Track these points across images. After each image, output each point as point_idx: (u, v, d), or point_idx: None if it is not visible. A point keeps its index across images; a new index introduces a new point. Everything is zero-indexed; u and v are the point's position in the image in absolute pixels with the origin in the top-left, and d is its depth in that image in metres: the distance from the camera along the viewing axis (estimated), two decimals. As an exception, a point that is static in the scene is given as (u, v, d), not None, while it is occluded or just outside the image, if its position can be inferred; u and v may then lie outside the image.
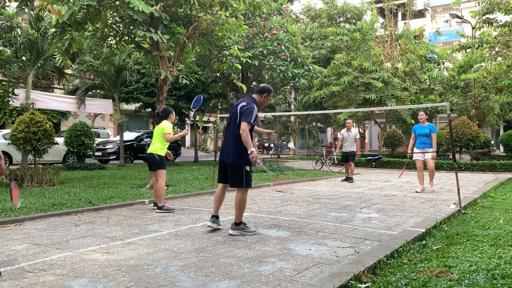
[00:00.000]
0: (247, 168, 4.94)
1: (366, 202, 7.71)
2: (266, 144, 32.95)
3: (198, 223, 5.72)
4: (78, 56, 15.08)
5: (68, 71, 19.73)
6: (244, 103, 4.94)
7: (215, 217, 5.17)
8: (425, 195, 8.73)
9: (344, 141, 11.81)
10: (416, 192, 9.16)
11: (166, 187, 9.28)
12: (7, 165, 14.83)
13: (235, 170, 4.92)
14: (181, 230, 5.24)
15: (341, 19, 27.43)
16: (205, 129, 40.39)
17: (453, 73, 19.49)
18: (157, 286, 3.22)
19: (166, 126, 6.76)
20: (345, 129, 11.94)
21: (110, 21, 9.30)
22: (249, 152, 4.77)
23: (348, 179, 11.77)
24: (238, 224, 5.00)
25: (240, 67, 12.21)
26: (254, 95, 5.14)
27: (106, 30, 9.45)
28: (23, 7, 8.31)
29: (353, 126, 12.07)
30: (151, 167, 6.92)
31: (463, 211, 6.46)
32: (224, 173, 5.12)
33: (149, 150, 6.84)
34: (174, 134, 6.89)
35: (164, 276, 3.47)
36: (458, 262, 3.74)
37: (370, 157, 17.98)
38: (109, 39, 9.97)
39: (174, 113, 7.06)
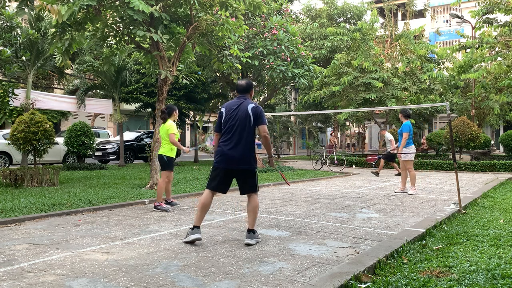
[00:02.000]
0: (256, 171, 4.73)
1: (366, 202, 7.71)
2: None
3: (198, 223, 5.72)
4: (78, 56, 15.08)
5: (68, 71, 19.73)
6: (253, 105, 4.61)
7: (198, 228, 4.56)
8: (424, 195, 8.73)
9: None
10: (395, 192, 9.17)
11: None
12: (7, 165, 14.82)
13: (251, 176, 4.62)
14: (181, 230, 5.24)
15: (341, 19, 27.44)
16: (205, 129, 40.41)
17: (453, 73, 19.49)
18: (157, 286, 3.22)
19: (171, 126, 6.83)
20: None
21: (110, 21, 9.30)
22: (271, 156, 4.89)
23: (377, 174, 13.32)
24: (254, 232, 4.64)
25: (240, 67, 12.20)
26: (245, 94, 4.75)
27: (106, 30, 9.44)
28: (23, 7, 8.30)
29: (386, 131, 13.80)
30: (161, 168, 7.06)
31: (463, 211, 6.46)
32: (228, 181, 4.71)
33: (159, 151, 6.98)
34: (176, 133, 6.95)
35: (164, 276, 3.47)
36: (458, 262, 3.74)
37: (370, 157, 17.98)
38: (109, 39, 9.96)
39: (177, 111, 7.13)
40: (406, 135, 8.74)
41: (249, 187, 4.64)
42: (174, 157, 6.95)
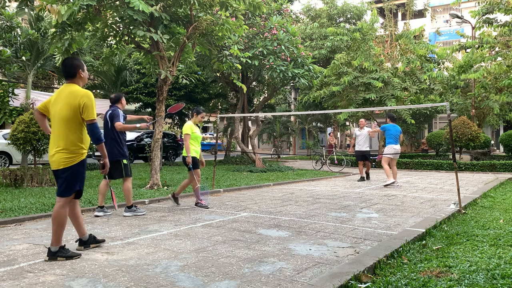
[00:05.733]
0: (125, 161, 6.29)
1: (366, 202, 7.71)
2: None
3: (198, 223, 5.72)
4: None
5: (68, 71, 19.68)
6: (110, 111, 6.31)
7: (101, 207, 6.28)
8: (424, 195, 8.73)
9: (357, 139, 11.90)
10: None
11: (166, 187, 9.31)
12: (7, 165, 14.83)
13: (119, 165, 6.25)
14: (181, 230, 5.24)
15: (341, 19, 27.44)
16: (205, 129, 40.41)
17: (453, 73, 19.47)
18: (157, 286, 3.22)
19: (184, 127, 7.03)
20: (358, 128, 12.15)
21: (110, 21, 9.30)
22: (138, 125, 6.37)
23: (363, 178, 11.95)
24: (130, 207, 6.29)
25: (240, 67, 12.21)
26: (116, 104, 6.43)
27: (106, 30, 9.44)
28: (23, 7, 8.31)
29: (365, 125, 12.12)
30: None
31: (463, 211, 6.46)
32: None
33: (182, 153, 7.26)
34: (190, 133, 6.97)
35: (164, 276, 3.47)
36: (458, 262, 3.74)
37: (370, 157, 17.97)
38: (109, 39, 9.96)
39: (200, 114, 7.22)
40: (376, 130, 11.17)
41: (119, 173, 6.27)
42: (195, 156, 7.01)
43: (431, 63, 20.45)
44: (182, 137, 7.34)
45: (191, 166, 6.98)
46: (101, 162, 4.20)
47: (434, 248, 4.26)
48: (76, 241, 4.36)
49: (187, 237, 4.87)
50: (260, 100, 22.32)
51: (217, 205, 7.30)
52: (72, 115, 3.95)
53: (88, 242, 4.29)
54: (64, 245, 4.02)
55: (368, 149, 11.94)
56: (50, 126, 4.18)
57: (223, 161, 19.66)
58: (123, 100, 6.56)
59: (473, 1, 17.97)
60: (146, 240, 4.70)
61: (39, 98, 14.39)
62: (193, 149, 7.04)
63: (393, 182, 10.20)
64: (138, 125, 6.28)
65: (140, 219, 6.02)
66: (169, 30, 9.30)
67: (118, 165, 6.25)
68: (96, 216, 6.15)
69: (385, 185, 10.24)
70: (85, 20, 8.69)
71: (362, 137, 11.80)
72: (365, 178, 12.04)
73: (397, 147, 10.39)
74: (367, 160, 12.03)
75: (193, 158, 7.02)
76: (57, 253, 3.91)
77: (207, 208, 6.99)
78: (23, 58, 12.78)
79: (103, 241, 4.47)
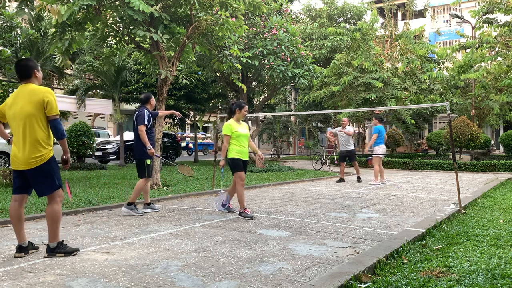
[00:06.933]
0: (148, 162, 6.41)
1: (366, 202, 7.71)
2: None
3: (198, 223, 5.73)
4: (78, 56, 15.08)
5: (68, 71, 19.71)
6: (137, 112, 6.44)
7: (148, 204, 6.72)
8: (424, 195, 8.73)
9: (340, 139, 11.55)
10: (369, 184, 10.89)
11: (166, 187, 9.30)
12: (7, 165, 14.82)
13: (141, 164, 6.44)
14: (181, 230, 5.24)
15: (341, 19, 27.43)
16: (205, 129, 40.42)
17: (453, 73, 19.48)
18: (157, 286, 3.22)
19: (223, 128, 6.39)
20: (340, 127, 11.75)
21: (110, 21, 9.30)
22: (148, 148, 6.34)
23: (343, 179, 11.67)
24: (130, 204, 6.32)
25: (240, 67, 12.20)
26: (145, 105, 6.55)
27: (106, 30, 9.44)
28: (23, 7, 8.31)
29: (348, 124, 11.78)
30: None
31: (463, 211, 6.46)
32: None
33: None
34: (229, 134, 6.28)
35: (164, 276, 3.47)
36: (458, 262, 3.74)
37: (370, 157, 17.97)
38: (109, 39, 9.96)
39: (242, 108, 6.38)
40: (375, 136, 11.05)
41: (142, 172, 6.45)
42: (238, 157, 6.24)
43: (431, 63, 20.46)
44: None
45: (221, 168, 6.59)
46: (64, 157, 4.08)
47: (434, 248, 4.26)
48: (16, 248, 4.10)
49: (187, 237, 4.87)
50: (260, 100, 22.30)
51: (217, 205, 7.28)
52: (36, 112, 3.89)
53: (28, 248, 4.10)
54: (63, 240, 4.02)
55: (352, 148, 11.65)
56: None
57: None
58: (153, 100, 6.67)
59: (473, 1, 17.98)
60: (146, 240, 4.70)
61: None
62: (236, 150, 6.25)
63: (380, 183, 10.97)
64: (148, 147, 6.33)
65: (140, 219, 6.03)
66: (169, 30, 9.30)
67: (142, 164, 6.44)
68: (144, 213, 6.48)
69: (370, 184, 10.89)
70: (85, 20, 8.69)
71: (345, 136, 11.46)
72: (358, 180, 11.58)
73: (385, 147, 11.59)
74: (354, 160, 11.69)
75: (235, 160, 6.22)
76: (55, 249, 3.92)
77: (252, 218, 6.05)
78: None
79: (38, 248, 4.23)
